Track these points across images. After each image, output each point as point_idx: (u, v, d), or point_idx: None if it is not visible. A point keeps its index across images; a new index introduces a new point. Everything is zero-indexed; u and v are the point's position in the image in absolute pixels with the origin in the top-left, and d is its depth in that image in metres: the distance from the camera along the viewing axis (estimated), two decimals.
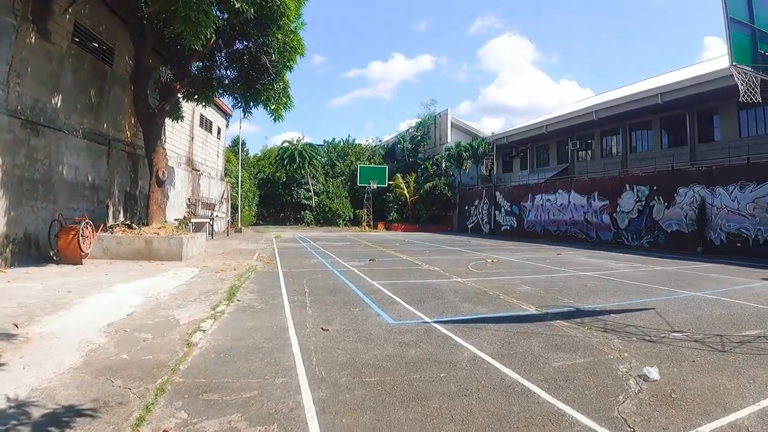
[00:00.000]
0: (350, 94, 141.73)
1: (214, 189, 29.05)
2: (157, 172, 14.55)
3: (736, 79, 8.09)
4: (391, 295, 8.56)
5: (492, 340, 5.62)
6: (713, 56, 31.02)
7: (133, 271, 10.46)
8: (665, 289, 9.50)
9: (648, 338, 5.73)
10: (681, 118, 24.54)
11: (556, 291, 9.20)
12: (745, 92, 7.97)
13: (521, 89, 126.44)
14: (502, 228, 36.25)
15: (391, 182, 45.28)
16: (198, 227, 21.12)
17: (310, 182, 51.44)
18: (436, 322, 6.48)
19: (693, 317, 6.89)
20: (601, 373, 4.48)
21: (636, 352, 5.14)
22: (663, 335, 5.88)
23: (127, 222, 14.82)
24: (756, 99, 7.88)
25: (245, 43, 15.23)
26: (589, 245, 24.14)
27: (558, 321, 6.62)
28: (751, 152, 19.23)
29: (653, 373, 4.38)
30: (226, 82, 16.42)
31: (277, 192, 52.00)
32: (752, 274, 12.36)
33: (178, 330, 5.60)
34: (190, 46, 11.11)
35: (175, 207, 21.27)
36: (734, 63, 7.06)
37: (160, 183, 14.72)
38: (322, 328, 5.95)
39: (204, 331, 5.63)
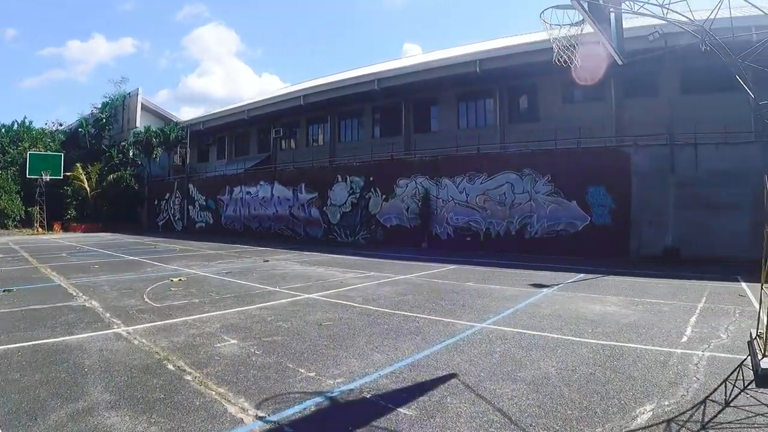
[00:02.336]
0: (45, 74, 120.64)
1: None
2: None
3: (548, 33, 5.90)
4: None
5: None
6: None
7: None
8: (436, 320, 6.82)
9: None
10: (396, 106, 25.07)
11: (281, 348, 5.37)
12: (559, 50, 5.88)
13: (223, 80, 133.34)
14: (197, 225, 34.07)
15: (69, 173, 38.78)
16: None
17: None
18: None
19: (528, 388, 4.11)
20: None
21: None
22: None
23: None
24: (576, 62, 5.87)
25: None
26: (298, 244, 22.44)
27: None
28: (469, 143, 20.04)
29: None
30: None
31: None
32: (513, 279, 11.05)
33: None
34: None
35: None
36: None
37: None
38: None
39: None
